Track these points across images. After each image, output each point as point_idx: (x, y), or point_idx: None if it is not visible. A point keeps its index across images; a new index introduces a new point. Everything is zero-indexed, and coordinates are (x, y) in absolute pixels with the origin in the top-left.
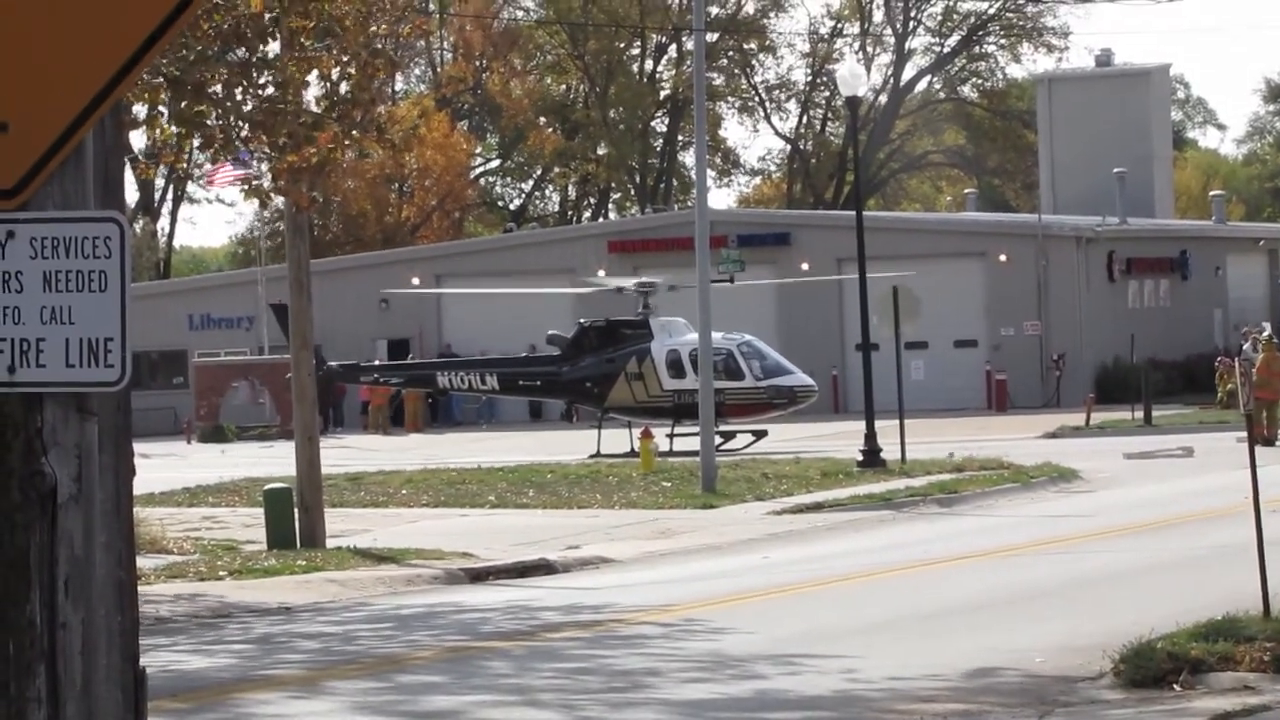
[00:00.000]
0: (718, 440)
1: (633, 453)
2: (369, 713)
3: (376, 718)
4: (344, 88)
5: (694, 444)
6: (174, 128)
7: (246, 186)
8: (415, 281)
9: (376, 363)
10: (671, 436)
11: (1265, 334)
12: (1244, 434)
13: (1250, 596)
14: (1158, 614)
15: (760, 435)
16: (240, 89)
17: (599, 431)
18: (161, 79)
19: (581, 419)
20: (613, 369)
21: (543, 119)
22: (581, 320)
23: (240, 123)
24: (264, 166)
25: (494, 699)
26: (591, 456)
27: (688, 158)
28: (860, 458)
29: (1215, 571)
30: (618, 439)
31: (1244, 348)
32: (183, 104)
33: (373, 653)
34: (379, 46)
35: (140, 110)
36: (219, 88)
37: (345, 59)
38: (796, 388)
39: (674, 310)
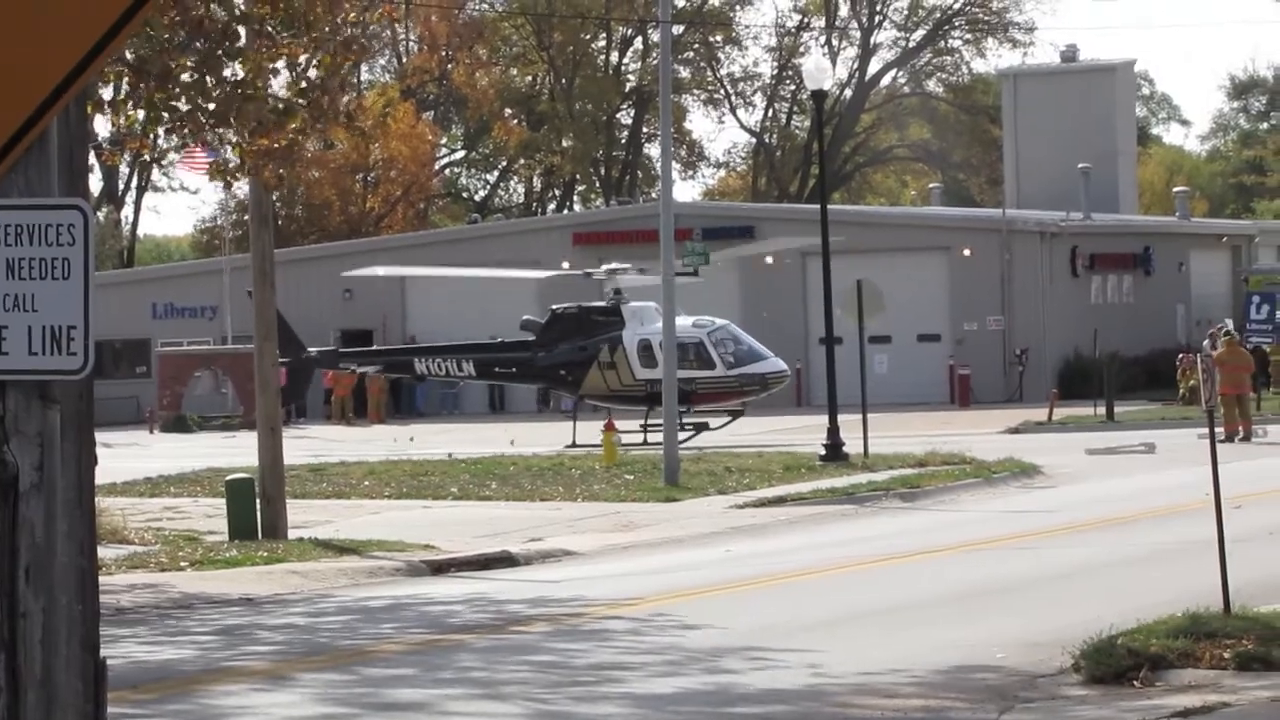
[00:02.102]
0: (689, 433)
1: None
2: (335, 704)
3: (343, 709)
4: (313, 73)
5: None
6: (140, 114)
7: (215, 170)
8: (379, 271)
9: (355, 350)
10: (645, 427)
11: (1225, 330)
12: (1206, 430)
13: (1211, 593)
14: (1119, 610)
15: (737, 414)
16: (208, 76)
17: (574, 422)
18: (125, 67)
19: (557, 406)
20: (585, 356)
21: (508, 110)
22: (554, 306)
23: (209, 106)
24: (232, 152)
25: (460, 692)
26: (568, 446)
27: (653, 150)
28: (823, 452)
29: (1177, 568)
30: (592, 429)
31: (1204, 344)
32: (149, 90)
33: (338, 645)
34: (348, 33)
35: (106, 93)
36: (186, 75)
37: (314, 47)
38: (768, 374)
39: (641, 301)
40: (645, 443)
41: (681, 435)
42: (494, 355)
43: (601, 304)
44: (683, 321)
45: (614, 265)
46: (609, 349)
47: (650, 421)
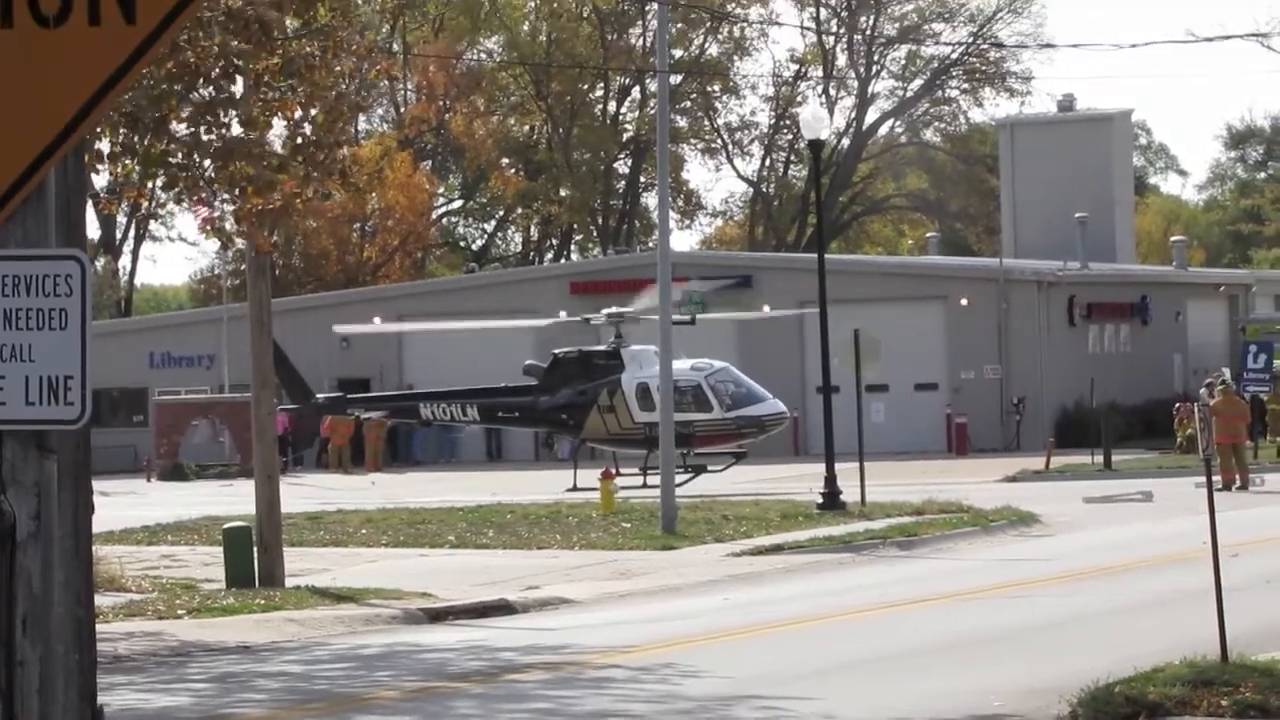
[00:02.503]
0: (688, 476)
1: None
2: None
3: None
4: (309, 129)
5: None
6: (137, 166)
7: (209, 227)
8: (376, 320)
9: (363, 395)
10: (644, 470)
11: (1221, 379)
12: (1203, 479)
13: (1209, 641)
14: (1115, 658)
15: (739, 457)
16: (204, 127)
17: (574, 468)
18: (120, 116)
19: (553, 455)
20: (585, 400)
21: (505, 160)
22: (556, 351)
23: (203, 161)
24: (227, 208)
25: None
26: (568, 490)
27: (650, 199)
28: (820, 500)
29: (1174, 616)
30: (590, 476)
31: (1201, 392)
32: (145, 142)
33: (335, 692)
34: (344, 88)
35: (105, 145)
36: (181, 126)
37: (311, 101)
38: (765, 417)
39: (640, 345)
40: (645, 485)
41: (680, 478)
42: (497, 400)
43: (602, 348)
44: (681, 365)
45: (614, 309)
46: (608, 393)
47: (650, 465)
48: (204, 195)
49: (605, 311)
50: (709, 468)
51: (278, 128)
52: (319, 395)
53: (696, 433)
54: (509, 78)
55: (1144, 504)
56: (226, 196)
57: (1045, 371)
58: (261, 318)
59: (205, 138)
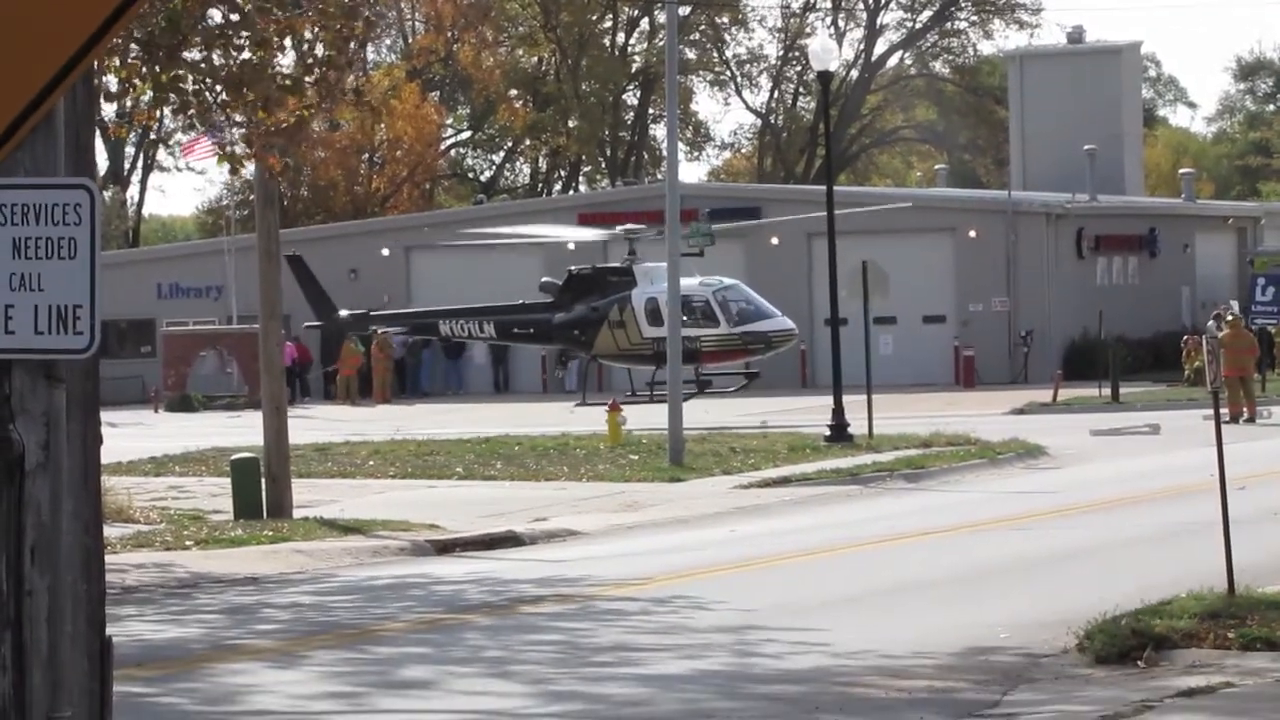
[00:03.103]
0: (691, 390)
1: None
2: (343, 682)
3: (350, 687)
4: (320, 49)
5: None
6: (148, 91)
7: (220, 152)
8: (385, 252)
9: (384, 312)
10: (652, 385)
11: (1230, 312)
12: (1211, 411)
13: (1216, 574)
14: (1123, 590)
15: (753, 377)
16: (217, 52)
17: (583, 386)
18: (135, 45)
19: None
20: (597, 316)
21: (514, 91)
22: (571, 267)
23: (216, 86)
24: (238, 133)
25: (467, 670)
26: (577, 404)
27: (659, 131)
28: (828, 432)
29: (1181, 549)
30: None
31: (1209, 325)
32: (157, 69)
33: (344, 623)
34: (353, 6)
35: (112, 80)
36: (194, 52)
37: (320, 21)
38: (771, 333)
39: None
40: (652, 398)
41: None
42: (513, 317)
43: (615, 265)
44: (689, 281)
45: (631, 227)
46: (618, 308)
47: (658, 380)
48: (215, 120)
49: (621, 228)
50: (725, 389)
51: (289, 54)
52: (342, 311)
53: (703, 348)
54: (518, 7)
55: (1151, 436)
56: (239, 120)
57: (1053, 304)
58: (270, 248)
59: (218, 62)
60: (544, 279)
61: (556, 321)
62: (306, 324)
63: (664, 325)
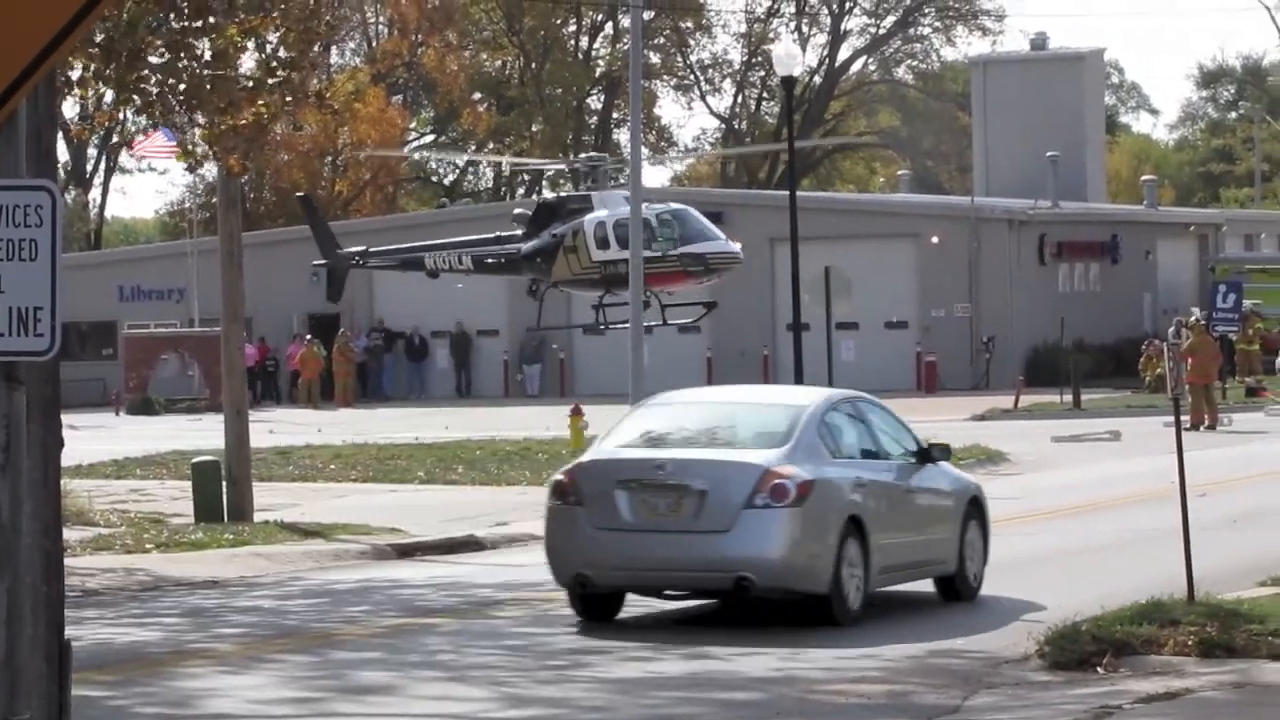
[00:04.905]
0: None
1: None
2: (302, 687)
3: (310, 693)
4: (282, 52)
5: (624, 313)
6: (108, 93)
7: (179, 150)
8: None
9: (378, 249)
10: (598, 308)
11: (1193, 318)
12: (1172, 418)
13: (1175, 580)
14: (1083, 597)
15: (711, 306)
16: (178, 57)
17: (539, 303)
18: (95, 47)
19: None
20: (555, 243)
21: (477, 95)
22: (540, 198)
23: (180, 87)
24: (197, 133)
25: (428, 675)
26: (529, 330)
27: (622, 136)
28: None
29: (1141, 555)
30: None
31: (1169, 332)
32: (118, 70)
33: (305, 628)
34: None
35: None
36: (155, 57)
37: (283, 24)
38: (709, 254)
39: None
40: (600, 322)
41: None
42: (487, 249)
43: (577, 193)
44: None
45: (593, 154)
46: (572, 233)
47: (605, 303)
48: (178, 121)
49: (584, 155)
50: (683, 320)
51: (250, 57)
52: (343, 249)
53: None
54: (481, 12)
55: (1112, 443)
56: (201, 122)
57: (1015, 310)
58: (232, 250)
59: (181, 64)
60: (516, 210)
61: (524, 251)
62: (314, 262)
63: (610, 248)
